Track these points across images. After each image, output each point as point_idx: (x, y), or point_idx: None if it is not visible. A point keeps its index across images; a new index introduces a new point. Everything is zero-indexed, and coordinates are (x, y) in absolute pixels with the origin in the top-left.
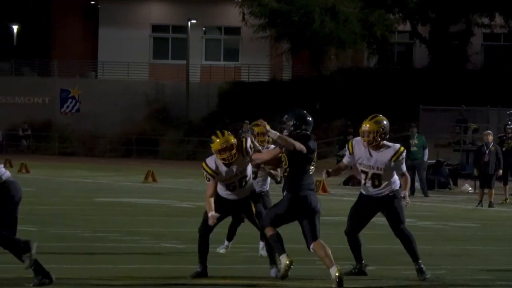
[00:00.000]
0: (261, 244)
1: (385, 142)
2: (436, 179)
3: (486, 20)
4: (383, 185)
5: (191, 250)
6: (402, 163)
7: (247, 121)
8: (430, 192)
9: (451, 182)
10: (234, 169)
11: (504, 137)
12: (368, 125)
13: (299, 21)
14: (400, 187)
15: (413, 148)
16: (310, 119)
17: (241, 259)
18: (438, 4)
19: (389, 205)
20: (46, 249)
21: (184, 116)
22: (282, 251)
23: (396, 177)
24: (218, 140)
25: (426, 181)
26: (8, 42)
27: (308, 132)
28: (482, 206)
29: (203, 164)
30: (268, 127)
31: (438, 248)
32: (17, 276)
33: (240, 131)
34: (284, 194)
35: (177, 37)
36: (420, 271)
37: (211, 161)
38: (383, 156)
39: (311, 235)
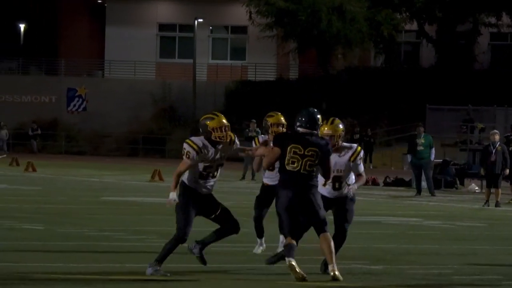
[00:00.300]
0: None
1: (344, 144)
2: (443, 178)
3: (493, 20)
4: (343, 188)
5: None
6: (360, 163)
7: (254, 120)
8: (436, 192)
9: (458, 182)
10: (219, 149)
11: (511, 137)
12: (329, 129)
13: (306, 20)
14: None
15: (420, 148)
16: (310, 119)
17: (246, 258)
18: (445, 4)
19: (342, 205)
20: (52, 247)
21: (191, 115)
22: (290, 256)
23: (353, 178)
24: (217, 118)
25: (432, 180)
26: (15, 41)
27: (298, 130)
28: (488, 206)
29: (187, 141)
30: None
31: (444, 248)
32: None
33: (247, 130)
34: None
35: (184, 36)
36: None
37: (198, 140)
38: (342, 158)
39: (318, 228)
